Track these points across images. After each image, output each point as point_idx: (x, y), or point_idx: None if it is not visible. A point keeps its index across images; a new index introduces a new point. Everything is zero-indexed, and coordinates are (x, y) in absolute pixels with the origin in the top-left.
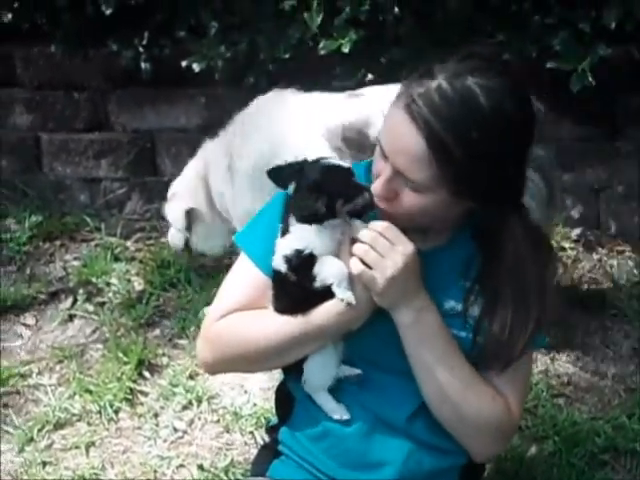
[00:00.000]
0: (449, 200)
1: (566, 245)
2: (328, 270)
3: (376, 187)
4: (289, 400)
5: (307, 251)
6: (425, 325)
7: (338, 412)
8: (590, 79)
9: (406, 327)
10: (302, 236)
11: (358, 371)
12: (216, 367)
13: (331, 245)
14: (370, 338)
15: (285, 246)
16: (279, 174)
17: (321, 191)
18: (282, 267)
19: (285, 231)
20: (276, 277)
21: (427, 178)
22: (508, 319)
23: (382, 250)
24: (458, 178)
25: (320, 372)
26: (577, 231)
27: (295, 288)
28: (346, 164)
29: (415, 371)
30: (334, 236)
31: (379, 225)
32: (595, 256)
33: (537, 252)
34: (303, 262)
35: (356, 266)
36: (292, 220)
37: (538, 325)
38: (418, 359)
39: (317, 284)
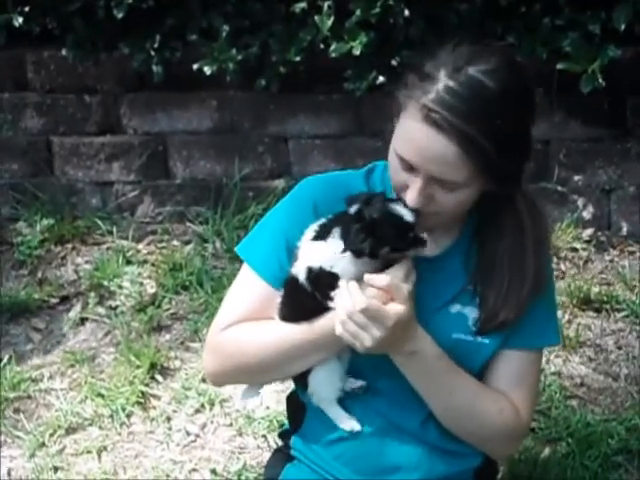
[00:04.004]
0: (480, 188)
1: (577, 246)
2: (341, 302)
3: (412, 199)
4: (300, 408)
5: (332, 270)
6: (419, 363)
7: (349, 423)
8: (600, 80)
9: (399, 364)
10: (333, 256)
11: (362, 382)
12: (220, 378)
13: (357, 275)
14: None
15: (312, 257)
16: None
17: (373, 234)
18: (301, 275)
19: (320, 236)
20: (290, 283)
21: (465, 177)
22: (504, 287)
23: (360, 324)
24: (492, 167)
25: (325, 385)
26: (588, 232)
27: (305, 297)
28: (409, 217)
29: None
30: (364, 269)
31: (359, 302)
32: (606, 257)
33: (535, 223)
34: (324, 279)
35: (339, 330)
36: (334, 232)
37: (533, 290)
38: (417, 388)
39: (330, 304)
